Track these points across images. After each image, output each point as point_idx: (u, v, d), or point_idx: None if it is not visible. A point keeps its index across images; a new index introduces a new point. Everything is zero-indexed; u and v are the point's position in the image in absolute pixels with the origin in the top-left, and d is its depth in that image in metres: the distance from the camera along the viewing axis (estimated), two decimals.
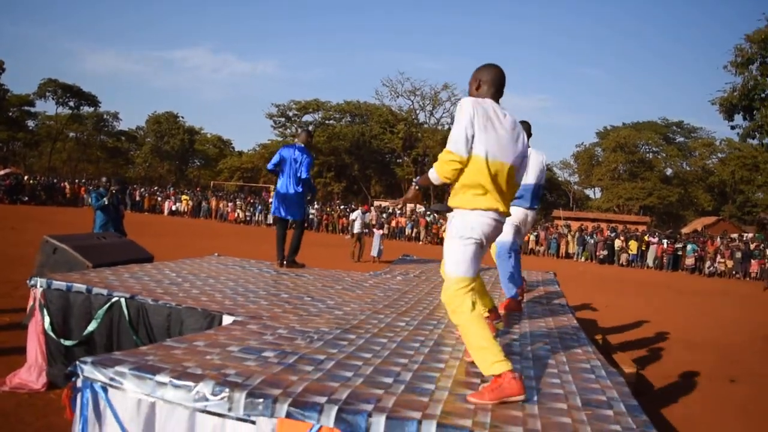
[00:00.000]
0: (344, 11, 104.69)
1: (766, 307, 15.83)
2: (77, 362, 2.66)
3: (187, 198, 35.83)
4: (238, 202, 34.94)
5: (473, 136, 2.89)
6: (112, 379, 2.59)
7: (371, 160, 61.25)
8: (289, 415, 2.35)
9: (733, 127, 31.15)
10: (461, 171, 2.94)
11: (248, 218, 33.27)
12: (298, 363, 2.95)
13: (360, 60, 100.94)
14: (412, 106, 57.38)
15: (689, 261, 25.79)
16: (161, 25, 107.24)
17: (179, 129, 66.68)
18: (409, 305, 5.11)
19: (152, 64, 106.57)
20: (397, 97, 56.80)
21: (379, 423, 2.30)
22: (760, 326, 12.14)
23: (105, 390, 2.60)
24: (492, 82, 3.11)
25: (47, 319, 4.54)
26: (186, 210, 34.76)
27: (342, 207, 35.73)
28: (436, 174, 3.00)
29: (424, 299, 5.53)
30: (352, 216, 18.67)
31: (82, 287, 4.50)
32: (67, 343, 4.49)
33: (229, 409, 2.43)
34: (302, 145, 7.19)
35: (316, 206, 34.56)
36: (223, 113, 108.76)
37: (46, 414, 4.12)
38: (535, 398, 2.80)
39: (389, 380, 2.84)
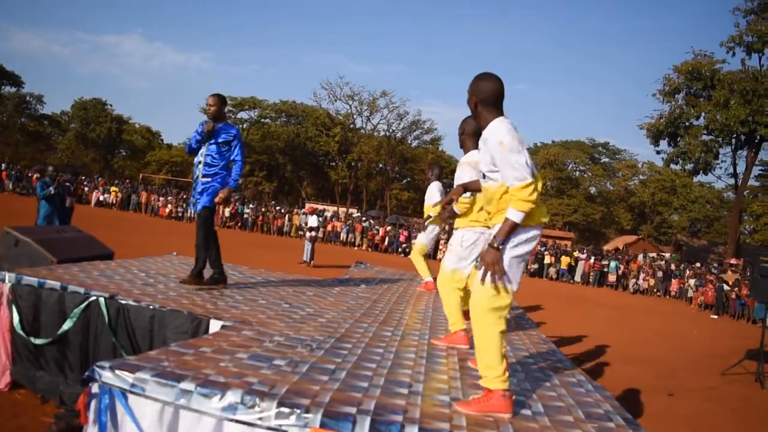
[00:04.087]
0: (279, 8, 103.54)
1: (688, 325, 16.80)
2: (94, 367, 2.59)
3: (116, 190, 34.52)
4: (170, 198, 33.94)
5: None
6: (132, 385, 2.53)
7: (305, 162, 60.85)
8: (323, 426, 2.37)
9: (658, 152, 33.18)
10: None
11: (180, 214, 32.39)
12: (311, 372, 2.97)
13: (293, 59, 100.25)
14: (349, 111, 57.46)
15: (612, 277, 26.98)
16: (92, 6, 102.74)
17: (107, 117, 64.08)
18: (384, 314, 5.18)
19: (82, 47, 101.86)
20: (335, 100, 56.82)
21: None
22: (688, 343, 12.89)
23: (125, 396, 2.54)
24: (491, 101, 2.99)
25: (16, 316, 4.34)
26: (114, 202, 33.47)
27: (278, 208, 35.30)
28: (519, 212, 2.80)
29: (395, 309, 5.61)
30: (309, 221, 18.39)
31: (56, 284, 4.33)
32: (38, 341, 4.31)
33: (260, 419, 2.42)
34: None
35: (251, 206, 34.05)
36: (154, 104, 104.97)
37: (17, 415, 3.95)
38: (542, 410, 2.93)
39: (404, 390, 2.90)
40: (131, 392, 2.53)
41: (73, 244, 5.87)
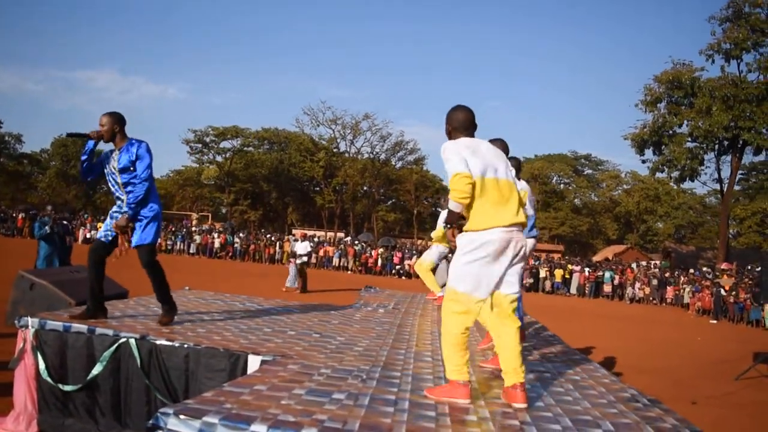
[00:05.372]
0: (255, 36, 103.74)
1: (690, 332, 16.83)
2: (158, 414, 2.48)
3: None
4: None
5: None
6: (200, 430, 2.42)
7: (290, 188, 60.73)
8: None
9: (643, 161, 33.61)
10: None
11: (170, 247, 32.06)
12: (375, 404, 2.87)
13: (272, 86, 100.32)
14: (333, 135, 57.51)
15: (607, 288, 27.06)
16: (65, 43, 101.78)
17: None
18: (415, 339, 5.10)
19: (57, 84, 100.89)
20: (318, 125, 56.73)
21: None
22: (695, 350, 12.89)
23: None
24: (459, 127, 3.38)
25: (42, 363, 4.19)
26: None
27: (268, 236, 35.08)
28: (454, 202, 3.10)
29: (423, 332, 5.52)
30: (296, 247, 18.19)
31: (83, 327, 4.19)
32: (67, 388, 4.15)
33: None
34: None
35: (240, 235, 33.82)
36: (133, 137, 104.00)
37: None
38: (612, 428, 2.85)
39: (473, 417, 2.84)
40: None
41: None
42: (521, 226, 3.20)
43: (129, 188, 4.61)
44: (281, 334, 4.73)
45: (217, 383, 3.69)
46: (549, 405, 3.21)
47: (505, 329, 3.21)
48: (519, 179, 4.99)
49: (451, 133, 3.39)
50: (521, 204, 3.29)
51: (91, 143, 4.69)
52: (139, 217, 4.64)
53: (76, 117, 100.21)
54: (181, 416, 2.45)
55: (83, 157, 4.71)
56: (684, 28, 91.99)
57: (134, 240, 4.65)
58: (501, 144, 4.60)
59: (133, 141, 4.68)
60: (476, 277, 3.10)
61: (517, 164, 5.14)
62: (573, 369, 4.35)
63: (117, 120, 4.67)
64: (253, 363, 3.83)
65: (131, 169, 4.58)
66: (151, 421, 2.47)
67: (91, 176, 4.78)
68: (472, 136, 3.38)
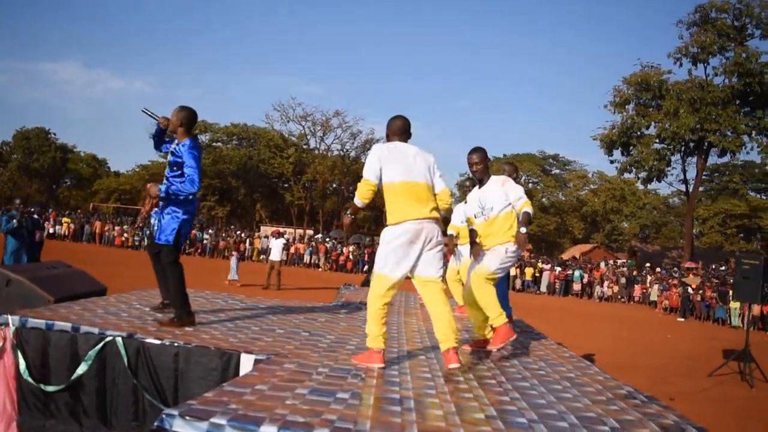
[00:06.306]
0: (223, 31, 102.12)
1: (659, 329, 17.15)
2: (163, 415, 2.38)
3: (69, 221, 33.31)
4: (125, 227, 32.93)
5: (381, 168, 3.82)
6: None
7: (259, 184, 60.08)
8: None
9: (612, 162, 34.21)
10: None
11: (137, 243, 31.43)
12: (381, 403, 2.83)
13: (241, 82, 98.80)
14: (303, 132, 57.11)
15: (576, 286, 27.43)
16: (28, 34, 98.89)
17: (50, 146, 62.04)
18: (404, 337, 5.08)
19: (19, 76, 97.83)
20: (288, 121, 56.29)
21: None
22: (666, 347, 13.12)
23: None
24: (395, 131, 4.02)
25: (22, 362, 4.02)
26: (67, 233, 32.28)
27: (238, 233, 34.67)
28: (357, 198, 3.89)
29: (411, 330, 5.51)
30: (271, 244, 18.05)
31: (67, 326, 4.04)
32: (49, 388, 3.99)
33: None
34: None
35: (209, 231, 33.37)
36: (99, 131, 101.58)
37: None
38: (617, 425, 2.85)
39: (481, 416, 2.80)
40: None
41: (66, 281, 5.53)
42: (433, 219, 3.78)
43: (171, 181, 4.57)
44: (270, 333, 4.64)
45: (210, 383, 3.61)
46: (551, 402, 3.21)
47: (437, 305, 3.78)
48: (516, 182, 5.04)
49: (389, 137, 4.03)
50: (441, 202, 3.96)
51: (159, 126, 4.82)
52: (168, 211, 4.61)
53: (38, 109, 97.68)
54: (187, 417, 2.36)
55: (154, 139, 4.93)
56: (653, 30, 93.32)
57: (159, 236, 4.65)
58: (510, 167, 5.33)
59: (186, 143, 4.59)
60: (393, 261, 3.71)
61: (512, 168, 5.28)
62: (566, 366, 4.38)
63: (183, 117, 4.66)
64: (246, 362, 3.74)
65: (175, 167, 4.57)
66: (156, 423, 2.38)
67: (158, 150, 5.00)
68: (405, 141, 4.00)
